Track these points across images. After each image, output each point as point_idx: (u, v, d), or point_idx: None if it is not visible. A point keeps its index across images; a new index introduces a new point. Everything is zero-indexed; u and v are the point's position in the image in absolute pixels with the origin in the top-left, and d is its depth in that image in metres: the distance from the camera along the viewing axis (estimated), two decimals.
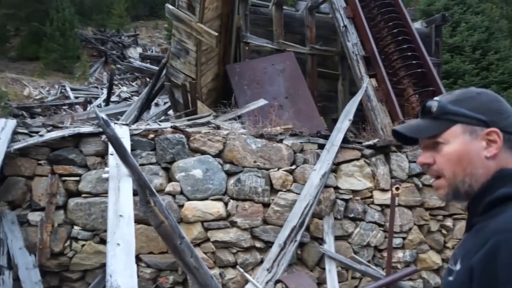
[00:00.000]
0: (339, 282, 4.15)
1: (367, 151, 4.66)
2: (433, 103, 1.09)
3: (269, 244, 4.14)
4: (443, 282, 1.04)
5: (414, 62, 6.66)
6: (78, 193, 3.92)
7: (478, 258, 0.88)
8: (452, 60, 13.92)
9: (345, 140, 4.59)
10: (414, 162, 4.79)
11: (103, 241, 3.68)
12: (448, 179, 1.05)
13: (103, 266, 3.59)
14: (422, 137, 1.10)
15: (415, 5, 16.99)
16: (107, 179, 3.65)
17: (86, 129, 4.11)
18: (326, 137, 4.63)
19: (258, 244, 4.18)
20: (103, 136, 3.94)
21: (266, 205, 4.25)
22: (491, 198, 0.97)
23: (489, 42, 14.60)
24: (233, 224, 4.12)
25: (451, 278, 0.98)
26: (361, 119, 6.35)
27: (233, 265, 4.11)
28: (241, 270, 4.05)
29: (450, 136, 1.05)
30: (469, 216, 1.04)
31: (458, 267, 0.96)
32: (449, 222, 4.82)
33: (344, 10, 7.12)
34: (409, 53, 6.70)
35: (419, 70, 6.63)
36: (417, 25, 8.75)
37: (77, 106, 12.20)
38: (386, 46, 6.92)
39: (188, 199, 4.06)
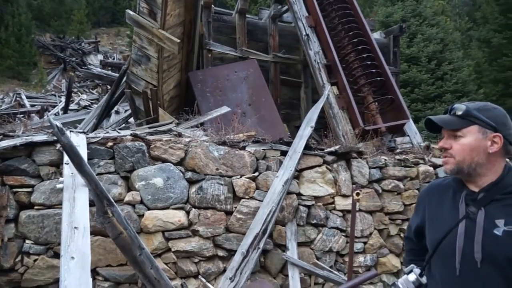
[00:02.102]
0: None
1: (329, 158, 4.71)
2: (461, 106, 1.52)
3: (232, 253, 4.09)
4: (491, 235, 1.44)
5: (373, 71, 6.85)
6: (30, 205, 3.72)
7: None
8: (409, 70, 14.50)
9: (307, 147, 4.63)
10: (374, 168, 4.89)
11: (57, 255, 3.51)
12: (457, 161, 1.51)
13: (57, 281, 3.41)
14: (449, 128, 1.52)
15: (374, 16, 17.58)
16: (61, 190, 3.48)
17: (40, 137, 3.92)
18: (289, 144, 4.65)
19: (221, 253, 4.11)
20: (58, 145, 3.78)
21: (228, 213, 4.20)
22: None
23: (444, 53, 15.32)
24: (195, 233, 4.04)
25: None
26: (323, 126, 6.45)
27: (195, 275, 4.03)
28: (204, 280, 3.97)
29: (468, 132, 1.49)
30: (486, 195, 1.48)
31: None
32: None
33: (306, 20, 7.24)
34: (369, 62, 6.89)
35: (379, 78, 6.82)
36: (376, 36, 9.04)
37: (33, 115, 11.71)
38: (347, 55, 7.08)
39: (149, 209, 3.95)
